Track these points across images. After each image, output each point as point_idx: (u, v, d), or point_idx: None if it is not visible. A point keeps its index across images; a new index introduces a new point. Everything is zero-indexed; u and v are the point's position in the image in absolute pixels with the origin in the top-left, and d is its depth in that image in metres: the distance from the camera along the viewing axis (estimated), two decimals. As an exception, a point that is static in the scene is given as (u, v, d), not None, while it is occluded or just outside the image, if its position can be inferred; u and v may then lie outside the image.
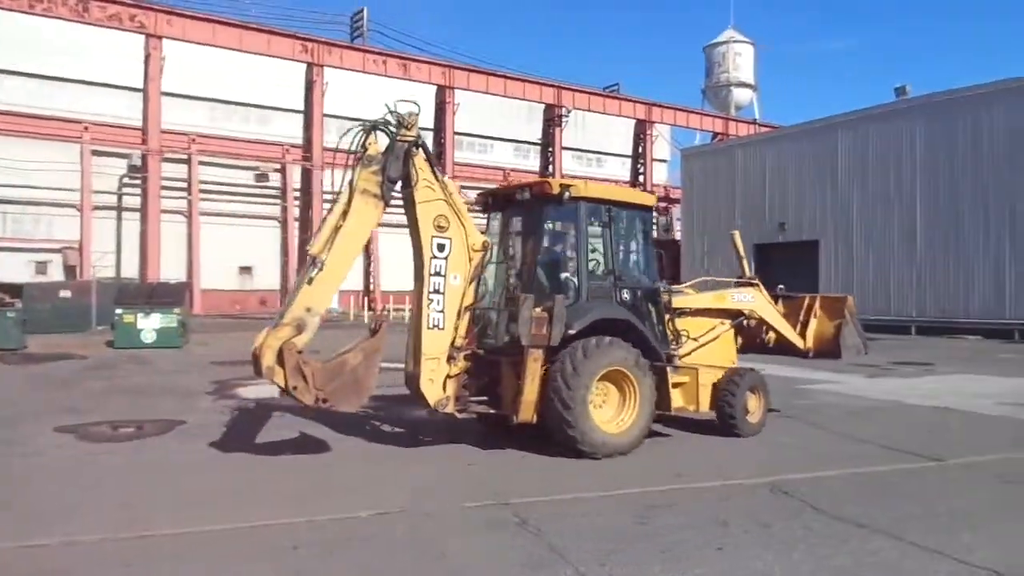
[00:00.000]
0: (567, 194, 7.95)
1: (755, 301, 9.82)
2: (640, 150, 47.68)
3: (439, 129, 38.77)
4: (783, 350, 10.46)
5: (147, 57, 30.63)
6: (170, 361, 18.24)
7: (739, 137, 44.92)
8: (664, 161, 63.01)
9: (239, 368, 16.70)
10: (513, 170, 61.49)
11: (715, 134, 49.40)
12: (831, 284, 33.65)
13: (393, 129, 7.60)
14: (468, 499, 6.14)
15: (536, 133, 46.36)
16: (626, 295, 8.32)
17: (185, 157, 49.88)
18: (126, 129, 36.03)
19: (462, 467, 7.42)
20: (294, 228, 33.80)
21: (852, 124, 34.01)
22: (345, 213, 7.34)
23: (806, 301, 10.69)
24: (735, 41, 75.67)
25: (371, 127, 7.60)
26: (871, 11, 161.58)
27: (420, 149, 7.70)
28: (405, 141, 7.55)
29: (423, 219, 7.64)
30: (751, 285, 9.99)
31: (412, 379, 7.73)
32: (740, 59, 75.83)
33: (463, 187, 43.18)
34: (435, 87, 38.46)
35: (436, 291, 7.58)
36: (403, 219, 7.97)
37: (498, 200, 8.85)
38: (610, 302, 8.13)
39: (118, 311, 22.12)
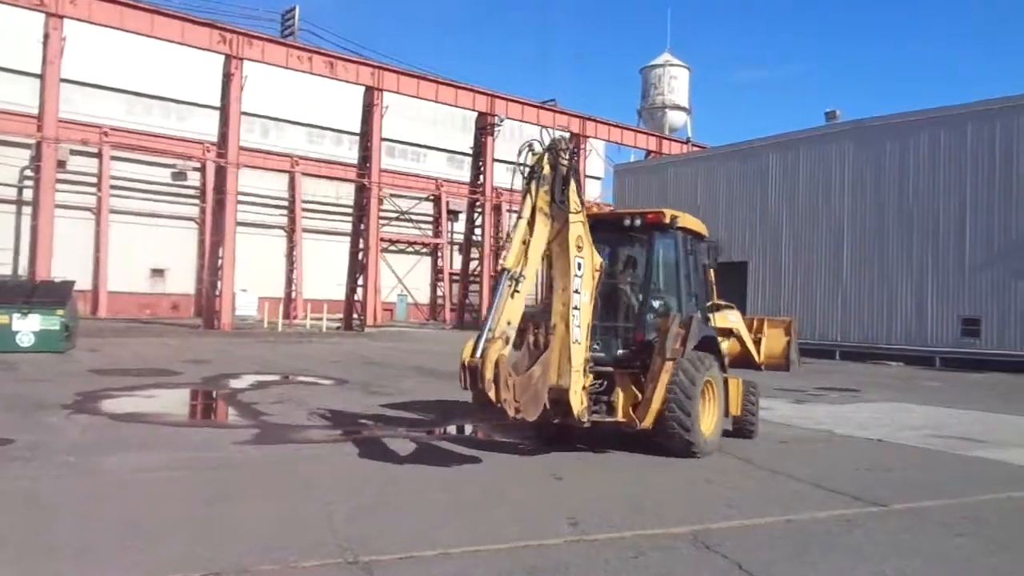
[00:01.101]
0: (676, 223, 9.13)
1: (738, 321, 11.28)
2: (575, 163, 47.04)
3: (366, 132, 37.25)
4: (740, 363, 11.38)
5: (46, 37, 28.31)
6: (41, 368, 16.33)
7: (672, 155, 44.78)
8: (598, 178, 62.83)
9: (120, 377, 15.06)
10: (446, 180, 60.56)
11: (648, 152, 49.27)
12: (758, 306, 33.46)
13: (559, 153, 7.97)
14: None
15: (471, 144, 45.36)
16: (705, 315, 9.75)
17: (95, 150, 47.19)
18: (30, 118, 33.45)
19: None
20: (224, 235, 31.85)
21: (783, 146, 34.04)
22: (530, 228, 7.72)
23: (755, 322, 12.08)
24: (671, 64, 76.65)
25: (546, 149, 7.92)
26: (803, 42, 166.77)
27: (573, 174, 8.11)
28: (564, 166, 7.90)
29: (571, 239, 7.96)
30: (730, 308, 11.34)
31: (559, 391, 7.72)
32: (675, 82, 76.95)
33: (393, 195, 41.98)
34: (363, 88, 36.94)
35: (576, 307, 7.97)
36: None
37: (600, 224, 9.06)
38: (702, 321, 9.22)
39: (-9, 310, 19.99)
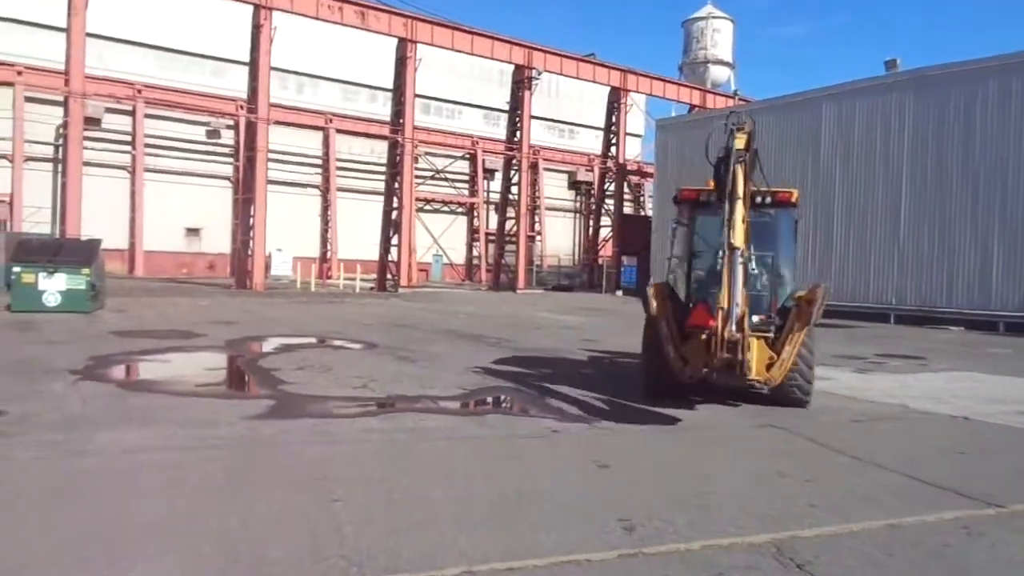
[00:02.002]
0: (798, 201, 10.17)
1: None
2: (614, 119, 45.33)
3: (399, 87, 36.04)
4: None
5: (69, -5, 27.58)
6: (62, 329, 15.77)
7: (716, 109, 42.79)
8: (638, 136, 60.93)
9: (140, 340, 14.42)
10: (482, 137, 59.17)
11: (692, 107, 47.25)
12: (808, 266, 31.93)
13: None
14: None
15: (507, 100, 43.92)
16: None
17: (130, 108, 46.75)
18: (62, 74, 32.89)
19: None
20: (255, 194, 31.17)
21: (837, 98, 32.09)
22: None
23: None
24: (714, 17, 73.82)
25: (748, 131, 8.84)
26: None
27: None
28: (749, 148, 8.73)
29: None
30: None
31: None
32: (718, 36, 74.23)
33: (428, 153, 40.95)
34: (396, 40, 35.63)
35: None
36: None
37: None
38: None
39: (15, 269, 19.52)
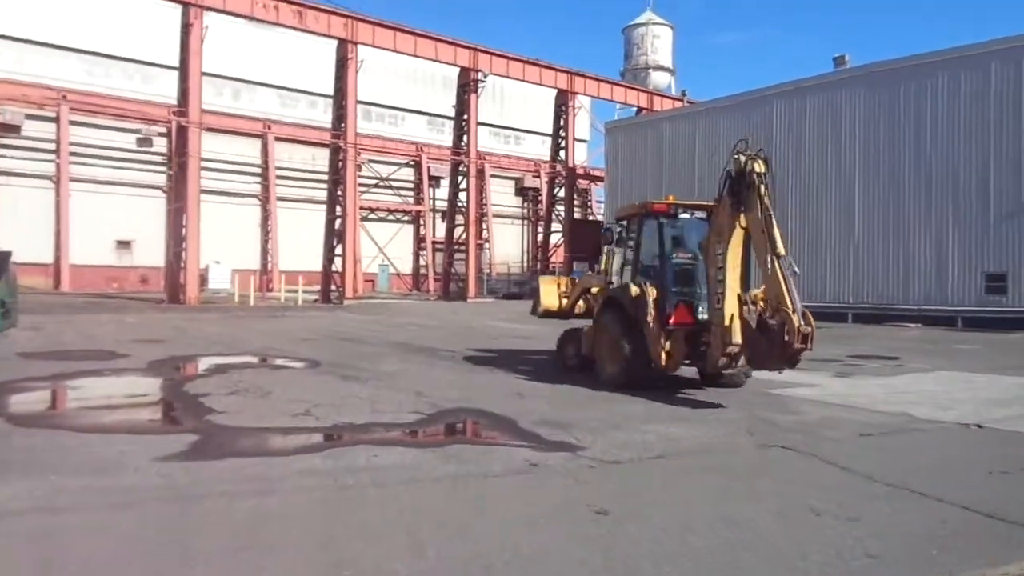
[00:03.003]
0: None
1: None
2: (562, 123, 44.51)
3: (340, 89, 34.51)
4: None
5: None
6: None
7: (667, 110, 42.33)
8: (583, 141, 60.34)
9: (50, 363, 12.75)
10: (427, 144, 57.77)
11: (639, 109, 46.74)
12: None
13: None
14: None
15: (452, 105, 42.73)
16: None
17: (53, 115, 44.07)
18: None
19: None
20: (186, 202, 29.29)
21: (787, 95, 31.80)
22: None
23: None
24: (654, 23, 74.08)
25: (764, 158, 9.70)
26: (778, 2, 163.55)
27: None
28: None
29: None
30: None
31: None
32: (659, 42, 74.66)
33: (372, 161, 39.43)
34: (336, 42, 34.11)
35: None
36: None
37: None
38: None
39: (-89, 287, 17.51)
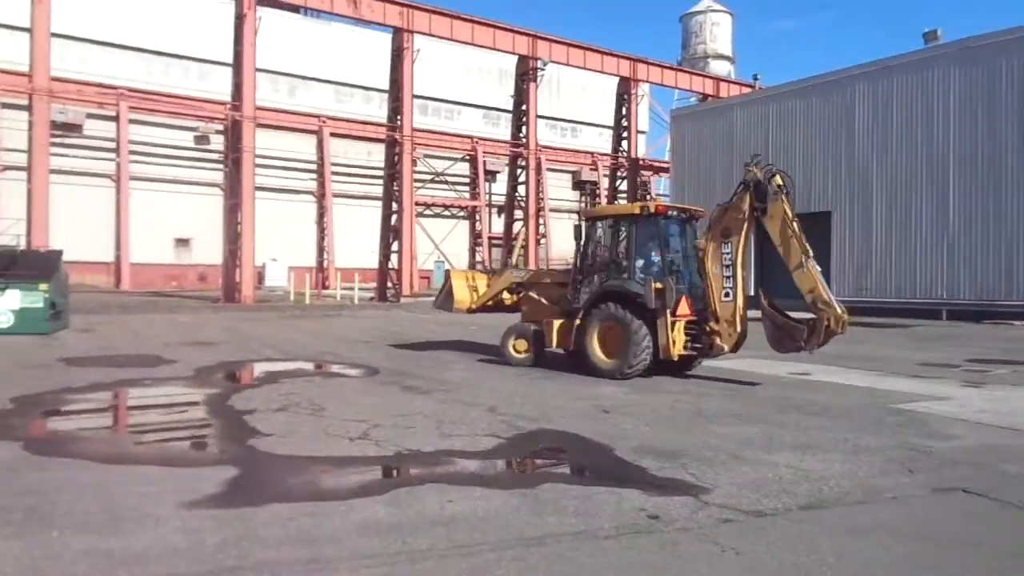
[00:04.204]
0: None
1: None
2: (624, 112, 42.72)
3: (396, 81, 33.46)
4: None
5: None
6: (3, 355, 13.18)
7: (737, 96, 40.15)
8: (642, 132, 58.39)
9: (92, 369, 11.82)
10: (482, 138, 56.55)
11: (705, 97, 44.64)
12: (845, 261, 29.45)
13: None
14: None
15: (508, 99, 41.40)
16: None
17: (113, 113, 44.17)
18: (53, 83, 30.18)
19: None
20: (241, 198, 28.76)
21: (872, 76, 29.55)
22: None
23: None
24: (713, 11, 71.65)
25: (777, 171, 11.02)
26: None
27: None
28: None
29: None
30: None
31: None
32: (717, 29, 72.29)
33: (427, 156, 38.37)
34: (390, 34, 33.10)
35: None
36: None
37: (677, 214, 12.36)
38: None
39: (-38, 286, 16.93)
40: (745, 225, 10.98)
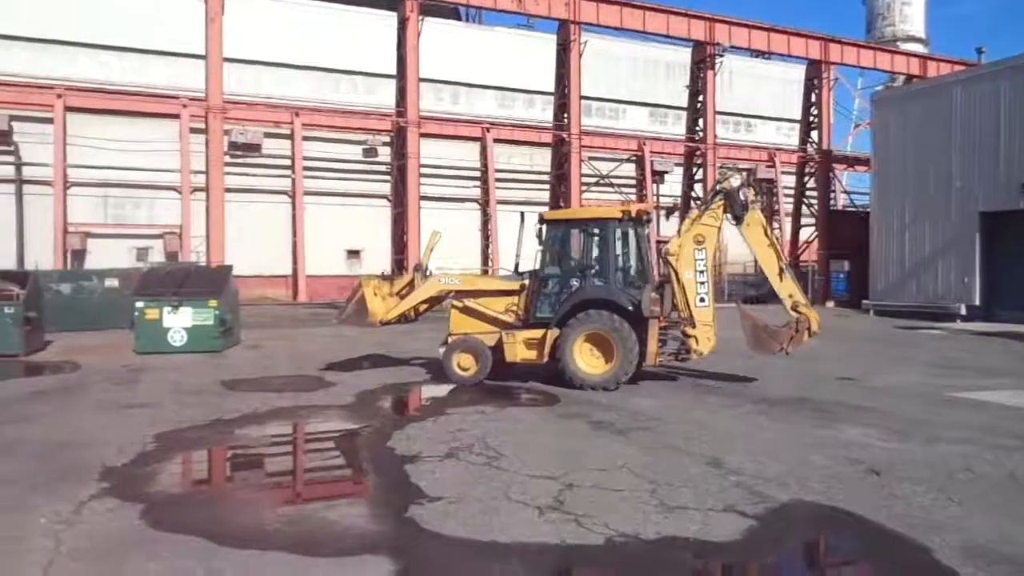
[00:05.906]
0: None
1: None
2: (813, 99, 38.58)
3: (562, 76, 31.79)
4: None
5: (207, 16, 25.60)
6: (164, 378, 12.50)
7: (956, 72, 34.85)
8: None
9: (248, 395, 10.74)
10: (649, 137, 53.80)
11: (909, 77, 39.50)
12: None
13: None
14: None
15: (675, 95, 38.69)
16: None
17: (288, 132, 45.73)
18: (226, 104, 31.30)
19: None
20: (406, 206, 28.39)
21: None
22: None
23: None
24: (901, -12, 64.94)
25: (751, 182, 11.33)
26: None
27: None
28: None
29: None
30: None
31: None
32: (908, 9, 65.58)
33: (591, 158, 36.11)
34: (553, 34, 31.51)
35: None
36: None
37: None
38: None
39: (138, 304, 16.67)
40: (717, 232, 11.21)
